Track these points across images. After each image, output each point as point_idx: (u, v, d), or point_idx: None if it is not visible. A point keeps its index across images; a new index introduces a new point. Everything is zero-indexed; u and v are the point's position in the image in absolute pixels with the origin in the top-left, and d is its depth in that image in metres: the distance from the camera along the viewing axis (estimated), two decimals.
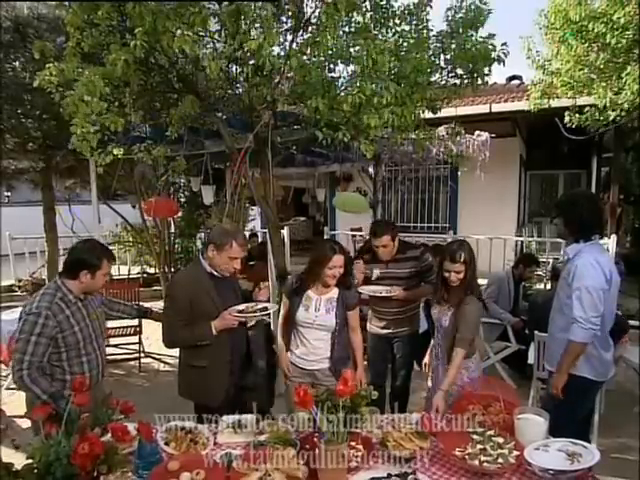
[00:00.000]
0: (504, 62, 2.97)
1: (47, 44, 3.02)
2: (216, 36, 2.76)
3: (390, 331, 3.46)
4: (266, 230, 5.37)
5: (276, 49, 3.02)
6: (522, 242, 8.06)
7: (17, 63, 5.63)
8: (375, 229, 3.30)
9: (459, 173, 7.85)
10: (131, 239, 9.05)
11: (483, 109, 7.20)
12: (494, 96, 7.76)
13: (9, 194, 14.56)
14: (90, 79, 2.58)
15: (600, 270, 2.42)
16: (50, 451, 1.61)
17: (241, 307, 2.62)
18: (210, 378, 2.61)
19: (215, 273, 2.60)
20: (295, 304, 2.78)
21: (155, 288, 8.44)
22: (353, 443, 2.08)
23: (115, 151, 2.78)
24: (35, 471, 1.58)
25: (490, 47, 3.00)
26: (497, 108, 7.20)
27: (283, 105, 2.86)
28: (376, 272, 3.35)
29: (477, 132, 6.27)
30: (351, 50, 2.86)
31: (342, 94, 2.97)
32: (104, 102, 2.75)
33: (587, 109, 5.64)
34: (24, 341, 2.30)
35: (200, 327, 2.54)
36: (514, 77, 9.52)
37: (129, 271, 9.07)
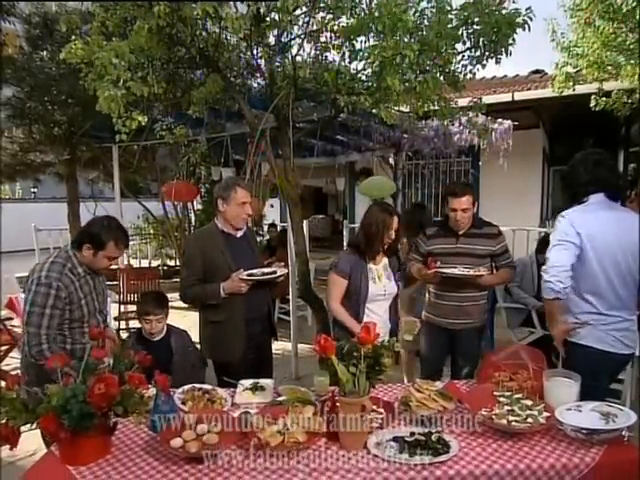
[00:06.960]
0: (529, 27, 2.88)
1: (73, 16, 3.08)
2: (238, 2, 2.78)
3: (451, 321, 2.85)
4: (285, 224, 5.34)
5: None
6: (546, 233, 7.86)
7: (45, 53, 5.82)
8: (453, 189, 2.76)
9: (480, 163, 7.71)
10: (152, 231, 9.15)
11: (505, 97, 7.06)
12: (516, 86, 7.62)
13: (35, 190, 15.07)
14: (118, 44, 2.62)
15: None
16: (67, 391, 1.60)
17: (254, 271, 2.59)
18: (226, 333, 2.61)
19: (227, 230, 2.63)
20: (357, 280, 2.58)
21: (175, 280, 8.49)
22: (374, 407, 2.03)
23: (139, 118, 2.80)
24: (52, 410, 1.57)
25: (514, 13, 2.92)
26: (520, 96, 7.03)
27: (304, 73, 2.83)
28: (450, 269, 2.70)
29: (499, 120, 6.15)
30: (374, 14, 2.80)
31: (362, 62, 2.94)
32: (129, 72, 2.79)
33: (615, 91, 5.45)
34: (38, 314, 2.15)
35: (211, 286, 2.56)
36: (537, 71, 9.38)
37: (149, 264, 9.16)
